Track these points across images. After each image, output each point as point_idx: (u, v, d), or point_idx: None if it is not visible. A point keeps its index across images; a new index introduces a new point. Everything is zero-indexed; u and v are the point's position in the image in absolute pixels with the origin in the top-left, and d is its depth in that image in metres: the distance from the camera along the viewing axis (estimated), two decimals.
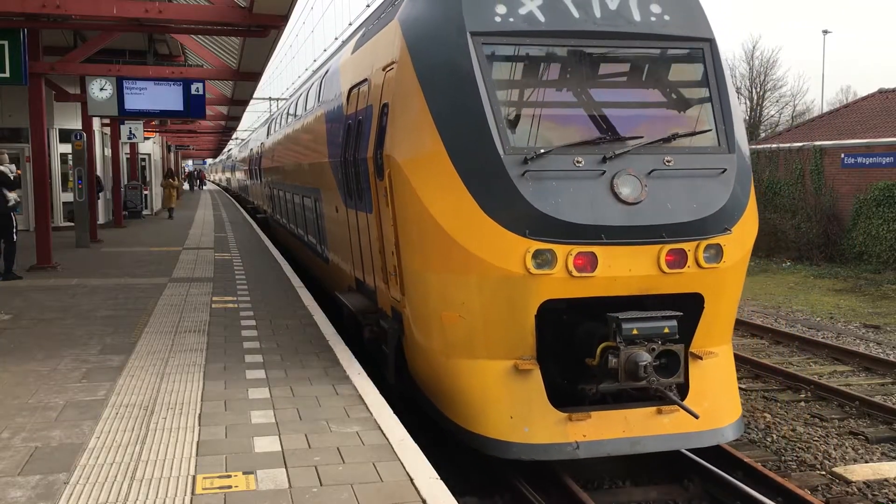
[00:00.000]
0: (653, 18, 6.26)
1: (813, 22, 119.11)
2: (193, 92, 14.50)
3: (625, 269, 5.72)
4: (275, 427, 4.89)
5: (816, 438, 7.57)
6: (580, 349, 5.86)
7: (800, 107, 54.95)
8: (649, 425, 5.87)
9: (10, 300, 9.52)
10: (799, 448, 7.32)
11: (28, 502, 3.79)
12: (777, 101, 53.17)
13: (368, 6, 18.93)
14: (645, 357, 5.47)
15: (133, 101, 14.40)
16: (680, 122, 6.27)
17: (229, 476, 4.11)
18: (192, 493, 3.90)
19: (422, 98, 6.05)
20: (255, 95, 24.34)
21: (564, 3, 6.16)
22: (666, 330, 5.59)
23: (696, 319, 6.02)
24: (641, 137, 5.95)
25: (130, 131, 23.07)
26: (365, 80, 7.72)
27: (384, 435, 4.77)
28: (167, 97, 14.49)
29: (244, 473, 4.14)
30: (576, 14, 6.13)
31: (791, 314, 14.03)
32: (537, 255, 5.59)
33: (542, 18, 6.07)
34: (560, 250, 5.59)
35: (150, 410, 5.20)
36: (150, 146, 31.45)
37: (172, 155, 45.93)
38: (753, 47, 54.53)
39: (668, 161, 5.87)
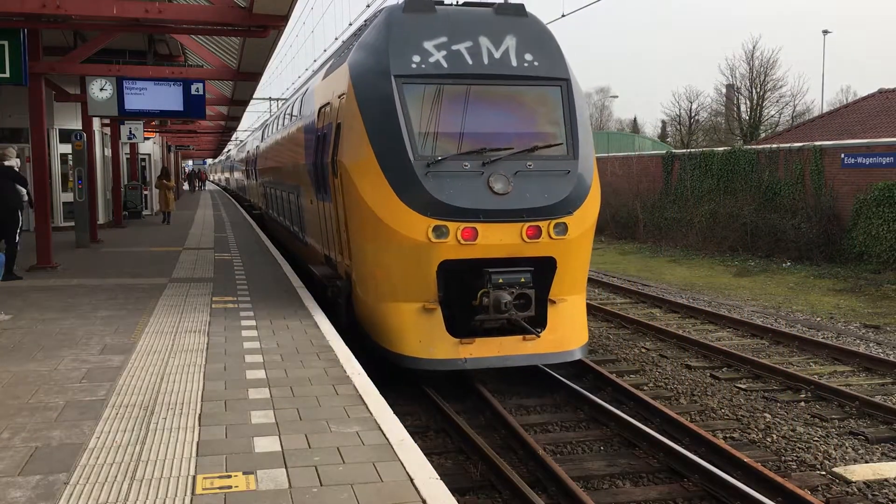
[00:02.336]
0: (525, 64, 8.72)
1: (813, 22, 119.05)
2: (193, 92, 14.50)
3: (497, 240, 8.06)
4: (275, 427, 4.89)
5: (816, 438, 7.57)
6: (467, 294, 8.19)
7: (800, 107, 54.96)
8: (516, 348, 8.23)
9: (10, 300, 9.52)
10: (799, 448, 7.32)
11: (28, 502, 3.79)
12: (777, 102, 53.13)
13: (368, 6, 19.08)
14: (506, 297, 7.89)
15: (133, 102, 14.39)
16: (540, 137, 8.58)
17: (229, 476, 4.11)
18: (192, 493, 3.90)
19: (360, 120, 8.44)
20: (255, 95, 24.35)
21: (462, 53, 8.58)
22: (522, 279, 8.02)
23: (552, 276, 8.36)
24: (511, 148, 8.33)
25: (130, 131, 23.06)
26: (328, 103, 10.09)
27: (384, 435, 4.78)
28: (167, 97, 14.48)
29: (244, 473, 4.14)
30: (470, 62, 8.56)
31: (791, 314, 14.03)
32: (436, 229, 7.92)
33: (445, 65, 8.48)
34: (452, 226, 7.93)
35: (151, 410, 5.20)
36: (150, 146, 31.44)
37: (172, 155, 45.91)
38: (753, 47, 54.47)
39: (529, 165, 8.29)
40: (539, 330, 8.24)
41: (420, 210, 7.92)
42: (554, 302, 8.45)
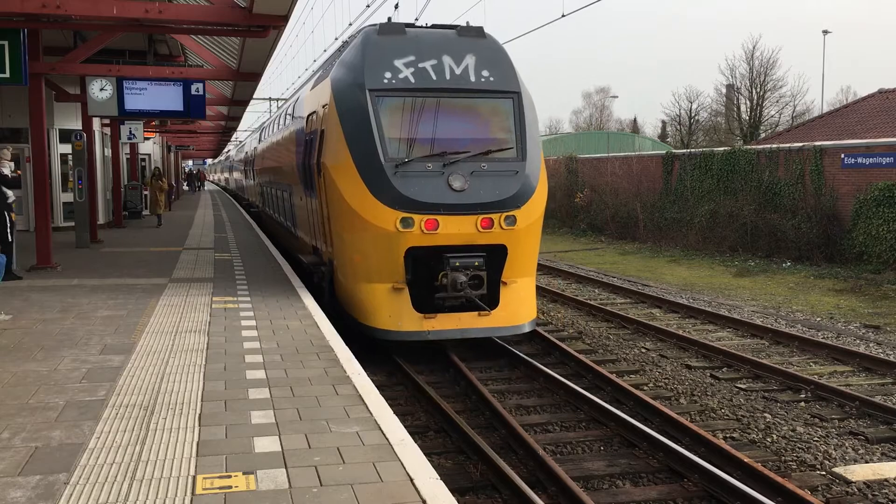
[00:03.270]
0: (482, 79, 10.01)
1: (813, 22, 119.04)
2: (193, 92, 14.50)
3: (455, 229, 9.37)
4: (275, 427, 4.89)
5: (816, 438, 7.57)
6: (430, 276, 9.49)
7: (800, 107, 54.97)
8: (473, 322, 9.58)
9: (10, 300, 9.52)
10: (799, 448, 7.32)
11: (28, 502, 3.79)
12: (777, 102, 53.19)
13: (368, 6, 19.11)
14: (462, 278, 9.23)
15: (133, 102, 14.39)
16: (494, 142, 9.86)
17: (229, 476, 4.11)
18: (193, 493, 3.90)
19: (340, 128, 9.71)
20: (255, 96, 24.34)
21: (427, 70, 9.85)
22: (476, 263, 9.37)
23: (504, 261, 9.66)
24: (468, 152, 9.61)
25: (130, 131, 23.06)
26: (314, 111, 11.37)
27: (384, 435, 4.78)
28: (167, 97, 14.48)
29: (244, 474, 4.15)
30: (434, 77, 9.85)
31: (791, 314, 14.03)
32: (403, 220, 9.20)
33: (412, 80, 9.77)
34: (416, 218, 9.22)
35: (151, 410, 5.20)
36: (151, 146, 31.44)
37: (173, 155, 45.90)
38: (753, 47, 54.52)
39: (484, 166, 9.58)
40: (492, 307, 9.60)
41: (390, 204, 9.22)
42: (506, 283, 9.82)
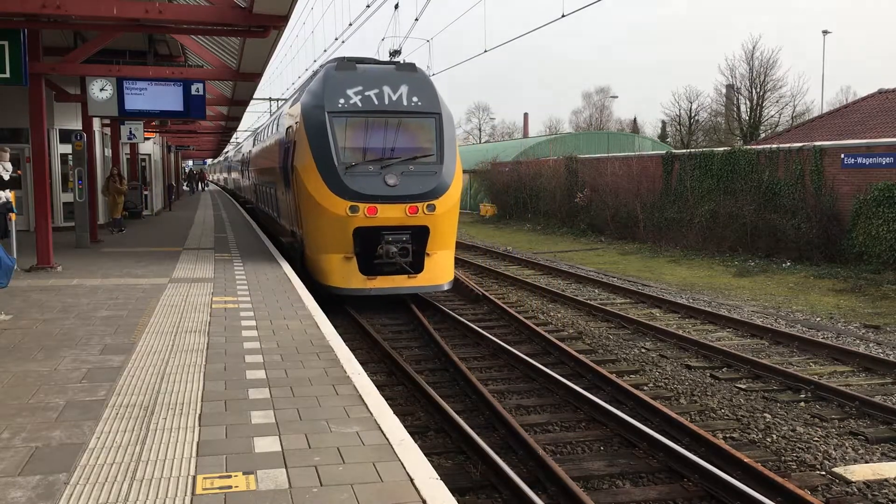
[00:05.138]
0: (412, 103, 13.23)
1: (813, 22, 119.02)
2: (193, 92, 14.49)
3: (390, 214, 12.55)
4: (275, 427, 4.89)
5: (816, 438, 7.57)
6: (371, 248, 12.65)
7: (800, 107, 54.95)
8: (404, 282, 12.89)
9: (10, 300, 9.52)
10: (799, 448, 7.32)
11: (28, 502, 3.79)
12: (777, 102, 53.17)
13: (368, 6, 19.14)
14: (394, 249, 12.55)
15: (133, 102, 14.39)
16: (419, 151, 13.13)
17: (229, 476, 4.11)
18: (193, 493, 3.90)
19: (306, 140, 12.94)
20: (255, 96, 24.35)
21: (371, 96, 13.04)
22: (404, 238, 12.64)
23: (427, 238, 12.90)
24: (400, 157, 12.87)
25: (130, 132, 23.07)
26: (290, 126, 14.67)
27: (384, 435, 4.78)
28: (167, 97, 14.48)
29: (244, 474, 4.15)
30: (376, 102, 13.05)
31: (791, 314, 14.03)
32: (352, 208, 12.38)
33: (360, 104, 12.99)
34: (361, 206, 12.38)
35: (151, 411, 5.20)
36: (151, 146, 31.44)
37: (173, 155, 45.88)
38: (753, 48, 54.49)
39: (411, 168, 12.81)
40: (418, 272, 12.95)
41: (342, 196, 12.40)
42: (429, 254, 13.09)
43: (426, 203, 12.65)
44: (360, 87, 13.02)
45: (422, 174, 12.78)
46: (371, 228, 12.48)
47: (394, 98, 13.08)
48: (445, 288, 13.30)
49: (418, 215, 12.64)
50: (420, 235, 12.77)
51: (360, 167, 12.55)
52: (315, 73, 15.36)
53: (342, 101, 12.87)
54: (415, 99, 13.19)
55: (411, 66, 13.79)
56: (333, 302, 12.96)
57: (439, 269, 13.14)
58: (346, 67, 13.40)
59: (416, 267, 12.86)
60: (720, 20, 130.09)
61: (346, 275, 12.64)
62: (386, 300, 13.73)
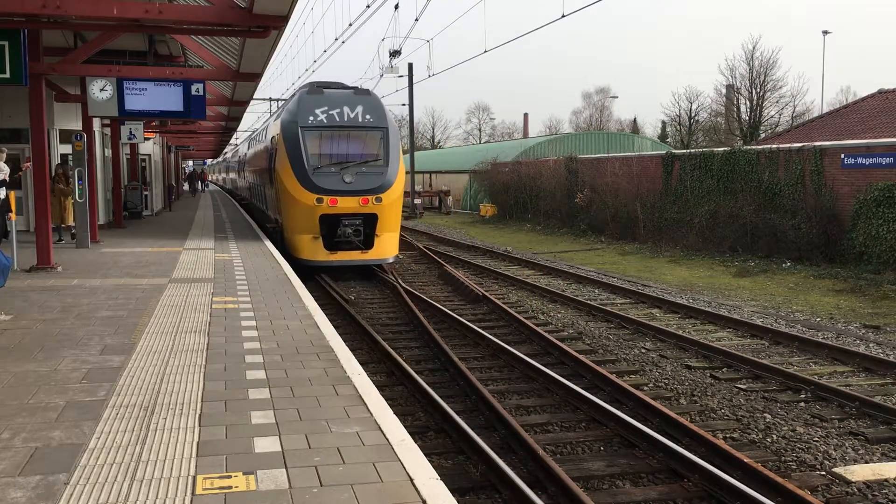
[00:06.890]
0: (365, 120, 17.36)
1: (813, 22, 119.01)
2: (193, 92, 14.48)
3: (347, 204, 16.61)
4: (275, 427, 4.89)
5: (816, 438, 7.57)
6: (333, 230, 16.72)
7: (800, 107, 54.99)
8: (358, 256, 16.92)
9: (10, 300, 9.53)
10: (799, 448, 7.32)
11: (28, 502, 3.79)
12: (777, 102, 53.21)
13: (368, 6, 19.19)
14: (349, 230, 16.75)
15: (133, 102, 14.38)
16: (370, 156, 17.25)
17: (229, 476, 4.11)
18: (193, 493, 3.90)
19: (284, 148, 17.00)
20: (255, 96, 24.37)
21: (334, 114, 17.15)
22: (357, 223, 16.81)
23: (376, 223, 16.84)
24: (355, 161, 17.00)
25: (130, 132, 23.05)
26: (273, 136, 18.71)
27: (384, 435, 4.78)
28: (167, 98, 14.47)
29: (244, 474, 4.15)
30: (338, 119, 17.16)
31: (791, 314, 14.03)
32: (318, 199, 16.44)
33: (325, 121, 17.14)
34: (325, 198, 16.46)
35: (151, 411, 5.20)
36: (151, 147, 31.44)
37: (173, 155, 45.87)
38: (753, 48, 54.50)
39: (363, 169, 16.94)
40: (368, 249, 16.95)
41: (310, 190, 16.47)
42: (378, 235, 17.02)
43: (375, 196, 16.71)
44: (326, 107, 17.14)
45: (372, 174, 16.89)
46: (333, 215, 16.60)
47: (351, 116, 17.20)
48: (391, 261, 17.56)
49: (369, 205, 16.70)
50: (370, 221, 16.86)
51: (325, 169, 16.70)
52: (293, 95, 19.50)
53: (311, 118, 16.99)
54: (367, 116, 17.32)
55: (366, 91, 18.02)
56: (310, 277, 16.37)
57: (386, 246, 17.27)
58: (316, 92, 17.58)
59: (368, 244, 16.95)
60: (720, 20, 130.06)
61: (314, 250, 16.67)
62: (357, 274, 17.84)
